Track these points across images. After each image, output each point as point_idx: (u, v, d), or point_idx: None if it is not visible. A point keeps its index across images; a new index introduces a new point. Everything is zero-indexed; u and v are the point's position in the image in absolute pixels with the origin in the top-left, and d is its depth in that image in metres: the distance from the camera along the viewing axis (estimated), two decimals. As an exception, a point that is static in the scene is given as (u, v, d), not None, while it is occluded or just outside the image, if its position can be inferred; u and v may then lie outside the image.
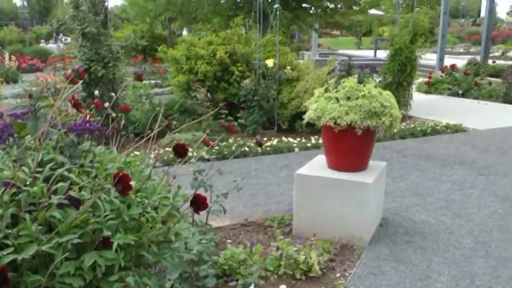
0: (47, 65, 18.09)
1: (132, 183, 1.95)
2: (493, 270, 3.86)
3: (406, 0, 21.69)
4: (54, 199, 2.02)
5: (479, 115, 11.01)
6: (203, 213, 3.46)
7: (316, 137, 7.95)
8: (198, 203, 2.03)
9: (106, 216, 2.08)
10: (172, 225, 2.17)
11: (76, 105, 2.37)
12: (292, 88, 8.71)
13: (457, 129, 9.27)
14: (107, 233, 2.01)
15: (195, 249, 2.93)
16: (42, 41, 34.75)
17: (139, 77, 2.87)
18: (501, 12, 44.31)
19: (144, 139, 2.67)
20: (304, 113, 4.47)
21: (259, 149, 7.33)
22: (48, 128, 2.24)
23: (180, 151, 2.19)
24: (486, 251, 4.22)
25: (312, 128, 6.91)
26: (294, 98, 8.54)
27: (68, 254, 1.96)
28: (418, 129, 8.91)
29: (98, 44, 7.65)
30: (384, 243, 4.30)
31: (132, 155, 3.72)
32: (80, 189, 2.11)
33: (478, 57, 17.08)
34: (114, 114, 3.44)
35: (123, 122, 3.26)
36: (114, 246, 2.04)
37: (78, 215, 2.02)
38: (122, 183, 1.85)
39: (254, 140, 7.50)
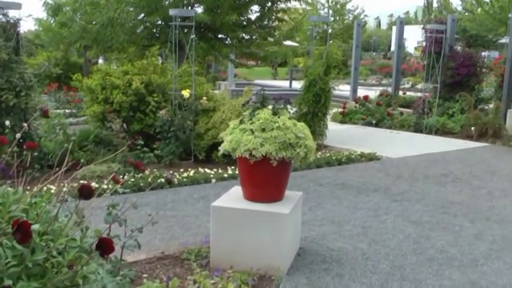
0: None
1: (36, 226, 1.85)
2: (407, 294, 3.97)
3: (320, 33, 22.28)
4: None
5: (392, 144, 11.39)
6: (118, 248, 3.37)
7: (233, 167, 7.95)
8: (104, 247, 1.96)
9: (7, 263, 1.95)
10: (80, 267, 2.09)
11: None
12: (209, 119, 8.70)
13: (371, 158, 9.54)
14: (7, 282, 1.89)
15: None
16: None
17: (44, 113, 2.77)
18: (410, 47, 46.24)
19: (53, 176, 2.57)
20: (221, 143, 4.46)
21: (175, 180, 7.25)
22: None
23: (86, 193, 2.11)
24: (401, 275, 4.34)
25: (229, 159, 6.92)
26: (210, 128, 8.53)
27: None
28: (334, 158, 9.09)
29: (10, 72, 7.33)
30: (301, 272, 4.32)
31: (45, 188, 3.58)
32: (-21, 236, 1.98)
33: (390, 89, 17.72)
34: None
35: (35, 154, 3.13)
36: (16, 296, 1.92)
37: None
38: (21, 230, 1.75)
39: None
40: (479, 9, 25.63)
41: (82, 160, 7.65)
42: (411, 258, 4.76)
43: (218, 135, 5.15)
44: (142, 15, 11.41)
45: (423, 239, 5.28)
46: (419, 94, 15.02)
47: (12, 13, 7.64)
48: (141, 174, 7.16)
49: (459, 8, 29.59)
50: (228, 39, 12.00)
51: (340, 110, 15.05)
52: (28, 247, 1.99)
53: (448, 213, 6.24)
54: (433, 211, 6.30)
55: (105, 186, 6.41)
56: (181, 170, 8.00)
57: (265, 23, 11.96)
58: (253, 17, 11.71)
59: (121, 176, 7.10)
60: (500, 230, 5.64)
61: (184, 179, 7.39)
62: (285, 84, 28.93)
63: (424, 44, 14.30)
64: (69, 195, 2.90)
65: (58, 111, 12.32)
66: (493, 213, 6.30)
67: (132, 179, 6.93)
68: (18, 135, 3.05)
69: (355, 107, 15.37)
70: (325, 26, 13.79)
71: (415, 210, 6.34)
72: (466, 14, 27.70)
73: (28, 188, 2.66)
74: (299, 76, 19.90)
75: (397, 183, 7.75)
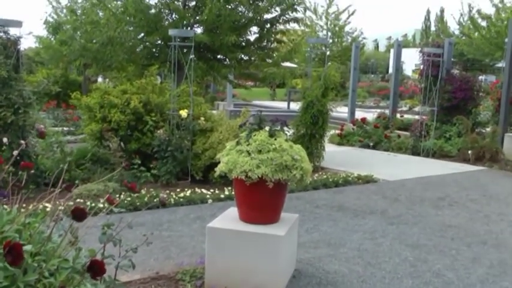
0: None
1: (28, 247, 1.84)
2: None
3: (318, 54, 22.40)
4: None
5: (389, 166, 11.38)
6: (112, 267, 3.35)
7: (229, 188, 7.93)
8: (95, 269, 1.94)
9: (-1, 284, 1.93)
10: (71, 288, 2.08)
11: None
12: (206, 139, 8.71)
13: (368, 180, 9.52)
14: (-1, 303, 1.88)
15: (101, 308, 2.80)
16: None
17: (41, 135, 2.78)
18: (408, 70, 46.52)
19: (49, 196, 2.56)
20: (218, 164, 4.47)
21: (172, 200, 7.24)
22: None
23: (78, 215, 2.10)
24: (396, 299, 4.32)
25: (226, 179, 6.91)
26: (207, 148, 8.54)
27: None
28: (331, 180, 9.08)
29: (9, 89, 7.34)
30: (296, 295, 4.30)
31: (41, 206, 3.57)
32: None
33: (387, 111, 17.75)
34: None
35: (32, 171, 3.11)
36: (7, 317, 1.90)
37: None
38: (12, 253, 1.74)
39: (164, 193, 7.44)
40: (476, 34, 25.84)
41: (77, 181, 7.63)
42: (407, 281, 4.73)
43: (215, 155, 5.16)
44: (142, 34, 11.49)
45: (420, 263, 5.26)
46: (416, 117, 15.05)
47: (13, 31, 7.70)
48: (137, 194, 7.15)
49: (456, 32, 29.81)
50: (227, 59, 12.07)
51: (338, 131, 15.07)
52: (20, 268, 1.98)
53: (445, 236, 6.23)
54: (430, 234, 6.29)
55: (101, 205, 6.41)
56: (178, 189, 7.98)
57: (264, 44, 12.04)
58: (252, 38, 11.80)
59: (117, 195, 7.09)
60: (497, 255, 5.62)
61: (181, 199, 7.38)
62: (283, 105, 29.01)
63: (421, 67, 14.37)
64: (64, 214, 2.89)
65: (56, 128, 12.33)
66: (490, 237, 6.28)
67: (129, 198, 6.91)
68: (15, 153, 3.05)
69: (353, 129, 15.39)
70: (323, 48, 13.87)
71: (411, 233, 6.32)
72: (463, 38, 27.89)
73: (24, 205, 2.66)
74: (297, 97, 19.97)
75: (394, 206, 7.74)
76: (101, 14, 11.63)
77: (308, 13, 31.93)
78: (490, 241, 6.12)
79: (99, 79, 25.02)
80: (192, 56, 8.90)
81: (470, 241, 6.08)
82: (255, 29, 11.63)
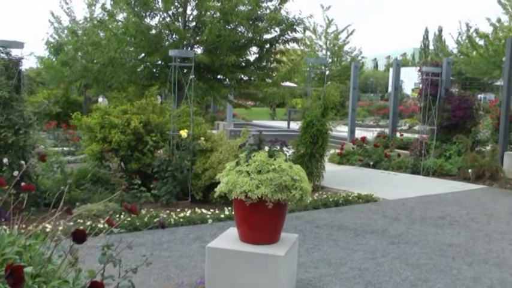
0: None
1: (29, 269, 1.85)
2: None
3: (318, 74, 22.50)
4: None
5: (390, 185, 11.37)
6: (111, 289, 3.34)
7: (230, 208, 7.93)
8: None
9: (0, 305, 1.94)
10: (72, 310, 2.08)
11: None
12: (206, 159, 8.72)
13: (368, 199, 9.51)
14: (-1, 324, 1.89)
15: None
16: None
17: (41, 158, 2.80)
18: (407, 88, 46.68)
19: (49, 219, 2.57)
20: (218, 183, 4.48)
21: (172, 220, 7.23)
22: None
23: (79, 237, 2.12)
24: (396, 321, 4.30)
25: (226, 199, 6.91)
26: (207, 168, 8.55)
27: None
28: (331, 199, 9.07)
29: (10, 110, 7.39)
30: (296, 316, 4.29)
31: (41, 226, 3.58)
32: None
33: (387, 130, 17.77)
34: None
35: (32, 192, 3.12)
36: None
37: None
38: (13, 275, 1.75)
39: (161, 218, 7.43)
40: (474, 53, 25.98)
41: (77, 203, 7.63)
42: (408, 301, 4.73)
43: (215, 175, 5.18)
44: (143, 55, 11.57)
45: (420, 282, 5.24)
46: (416, 136, 15.06)
47: (15, 52, 7.75)
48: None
49: (455, 51, 29.97)
50: (227, 79, 12.12)
51: (338, 151, 15.08)
52: (21, 290, 1.98)
53: (445, 255, 6.22)
54: (431, 253, 6.28)
55: (101, 226, 6.42)
56: (178, 210, 7.97)
57: (264, 64, 12.10)
58: (251, 58, 11.87)
59: (117, 215, 7.09)
60: (499, 274, 5.61)
61: (181, 219, 7.37)
62: (283, 124, 29.06)
63: (420, 86, 14.41)
64: (65, 236, 2.89)
65: (56, 149, 12.34)
66: (490, 256, 6.27)
67: (129, 219, 6.91)
68: (15, 173, 3.06)
69: (353, 148, 15.40)
70: (323, 68, 13.94)
71: (412, 252, 6.31)
72: (462, 57, 28.04)
73: (24, 226, 2.66)
74: (297, 117, 20.02)
75: (395, 225, 7.73)
76: (102, 34, 11.72)
77: (307, 33, 32.17)
78: (491, 260, 6.10)
79: (100, 99, 25.10)
80: (192, 76, 8.95)
81: (471, 260, 6.07)
82: (254, 49, 11.72)
